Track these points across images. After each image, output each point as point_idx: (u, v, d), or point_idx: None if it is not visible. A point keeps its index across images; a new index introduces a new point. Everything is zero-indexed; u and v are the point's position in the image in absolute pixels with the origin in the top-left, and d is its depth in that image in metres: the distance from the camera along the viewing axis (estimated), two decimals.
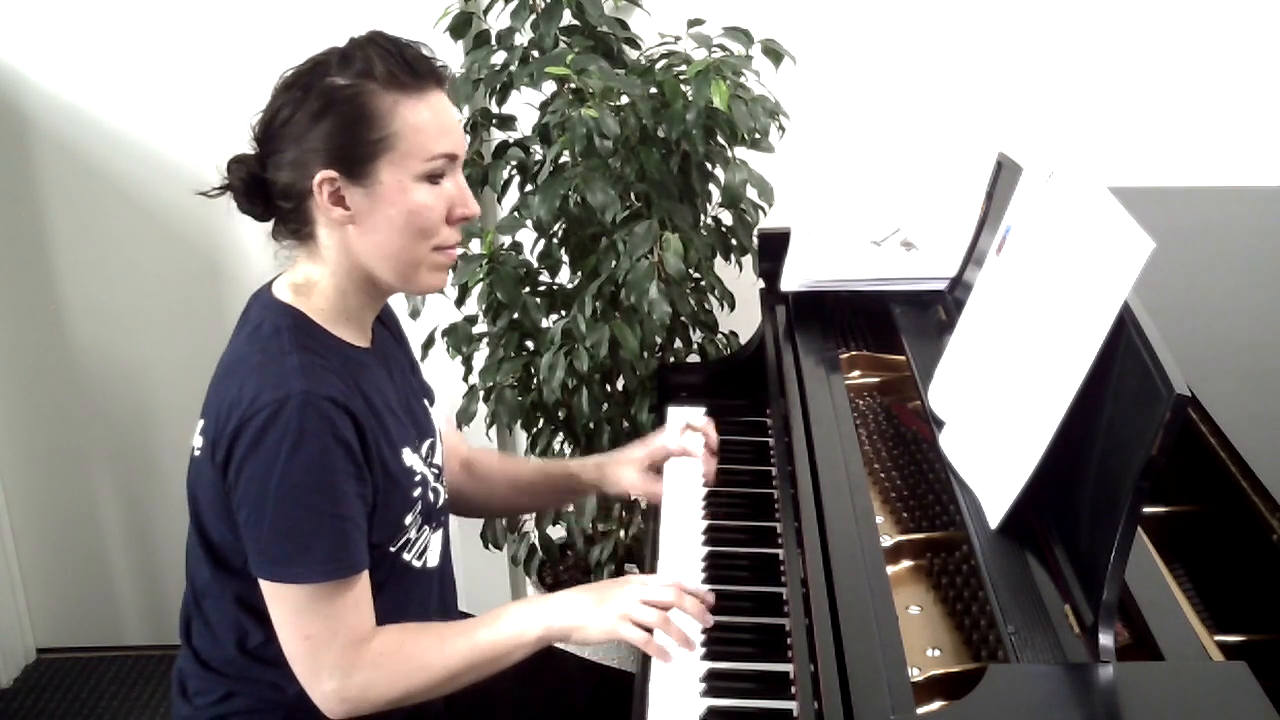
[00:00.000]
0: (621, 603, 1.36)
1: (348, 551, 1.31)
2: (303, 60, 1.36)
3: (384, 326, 1.50)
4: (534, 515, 2.28)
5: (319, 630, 1.31)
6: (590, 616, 1.37)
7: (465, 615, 1.65)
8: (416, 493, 1.42)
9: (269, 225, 1.42)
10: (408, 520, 1.42)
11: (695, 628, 1.38)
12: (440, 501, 1.49)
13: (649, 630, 1.35)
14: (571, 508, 2.14)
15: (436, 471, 1.49)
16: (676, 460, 1.82)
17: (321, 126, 1.31)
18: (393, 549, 1.41)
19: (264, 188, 1.37)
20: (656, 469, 1.71)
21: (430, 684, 1.36)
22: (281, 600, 1.32)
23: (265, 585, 1.32)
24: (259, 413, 1.27)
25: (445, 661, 1.36)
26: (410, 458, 1.42)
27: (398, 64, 1.32)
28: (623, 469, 1.69)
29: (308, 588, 1.30)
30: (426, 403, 1.54)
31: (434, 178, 1.34)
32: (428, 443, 1.48)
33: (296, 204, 1.35)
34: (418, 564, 1.46)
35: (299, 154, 1.32)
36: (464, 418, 2.17)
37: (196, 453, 1.38)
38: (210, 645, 1.44)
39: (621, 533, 2.26)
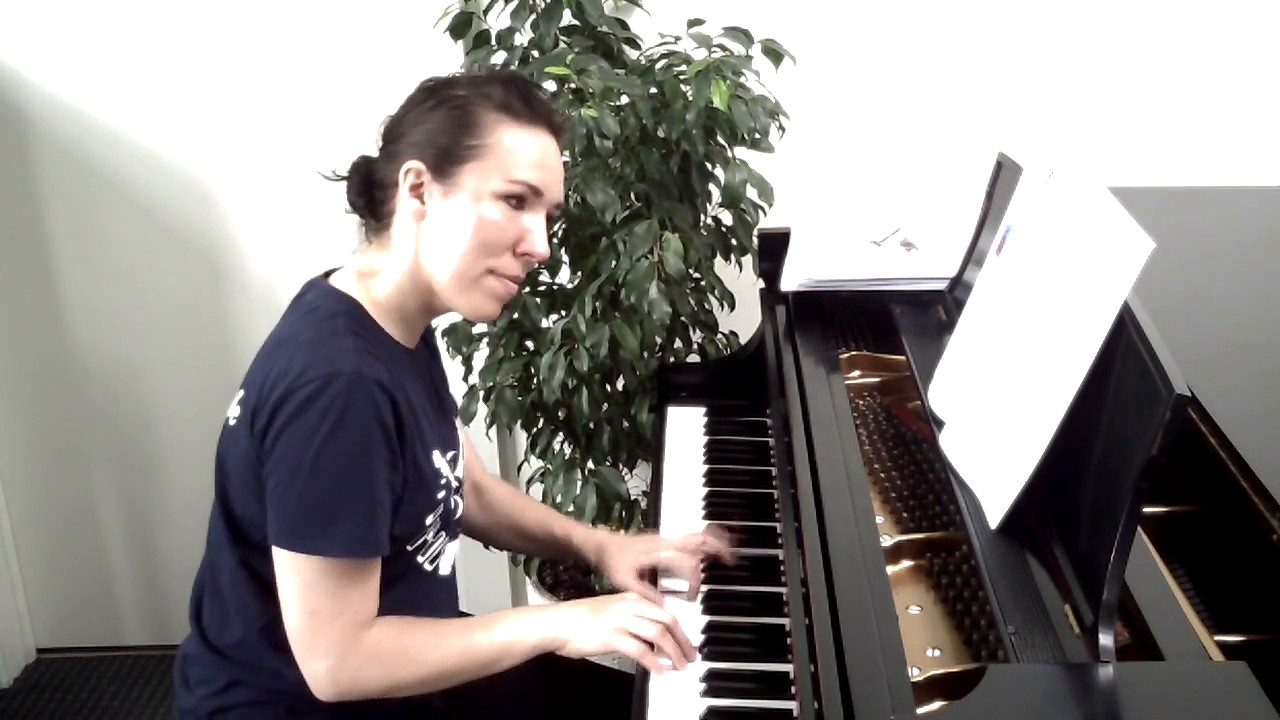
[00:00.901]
0: (617, 615, 1.39)
1: (372, 532, 1.32)
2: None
3: (424, 343, 1.52)
4: None
5: (325, 607, 1.32)
6: (586, 627, 1.39)
7: (464, 615, 1.66)
8: (440, 495, 1.43)
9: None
10: (429, 520, 1.42)
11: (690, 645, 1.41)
12: (458, 513, 1.50)
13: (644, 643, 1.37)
14: (571, 507, 2.14)
15: (458, 483, 1.50)
16: (674, 462, 1.83)
17: (426, 123, 1.37)
18: (410, 548, 1.42)
19: (372, 184, 1.42)
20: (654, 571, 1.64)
21: (421, 678, 1.37)
22: (295, 571, 1.32)
23: (280, 556, 1.32)
24: (306, 385, 1.28)
25: (439, 659, 1.37)
26: (439, 460, 1.43)
27: (517, 96, 1.38)
28: (622, 565, 1.62)
29: (325, 561, 1.30)
30: (455, 419, 1.57)
31: (513, 201, 1.38)
32: (452, 454, 1.49)
33: (388, 193, 1.40)
34: (429, 568, 1.46)
35: (400, 146, 1.39)
36: (464, 418, 2.17)
37: (231, 422, 1.39)
38: (219, 625, 1.45)
39: (622, 532, 2.26)
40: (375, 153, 1.43)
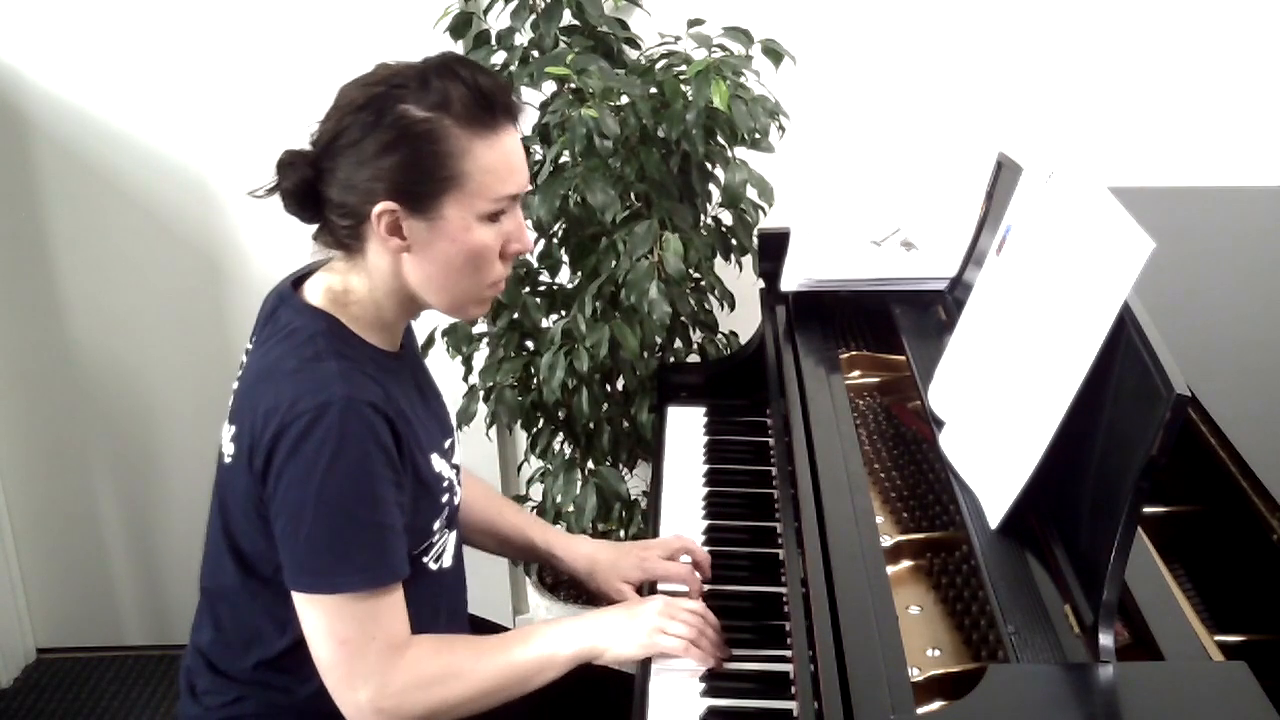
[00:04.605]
0: (654, 617, 1.39)
1: (387, 560, 1.30)
2: (371, 70, 1.32)
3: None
4: (534, 513, 2.28)
5: (354, 635, 1.29)
6: (624, 634, 1.39)
7: (471, 616, 1.66)
8: (445, 498, 1.42)
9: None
10: (436, 526, 1.41)
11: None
12: (458, 500, 1.48)
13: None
14: (571, 507, 2.14)
15: (456, 469, 1.48)
16: (674, 462, 1.82)
17: (391, 157, 1.27)
18: (414, 551, 1.40)
19: (316, 196, 1.33)
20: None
21: (464, 697, 1.35)
22: (318, 609, 1.30)
23: (300, 596, 1.30)
24: (299, 418, 1.25)
25: (480, 675, 1.35)
26: (439, 463, 1.41)
27: (476, 99, 1.28)
28: (615, 581, 1.63)
29: (346, 596, 1.28)
30: (441, 400, 1.53)
31: (495, 216, 1.32)
32: (449, 442, 1.47)
33: (353, 224, 1.32)
34: (434, 566, 1.45)
35: (362, 179, 1.28)
36: (464, 418, 2.17)
37: (227, 460, 1.36)
38: (223, 652, 1.44)
39: (622, 532, 2.26)
40: (304, 154, 1.33)
